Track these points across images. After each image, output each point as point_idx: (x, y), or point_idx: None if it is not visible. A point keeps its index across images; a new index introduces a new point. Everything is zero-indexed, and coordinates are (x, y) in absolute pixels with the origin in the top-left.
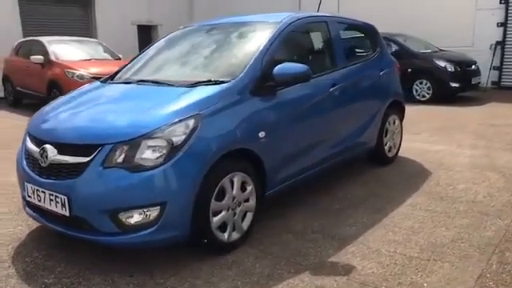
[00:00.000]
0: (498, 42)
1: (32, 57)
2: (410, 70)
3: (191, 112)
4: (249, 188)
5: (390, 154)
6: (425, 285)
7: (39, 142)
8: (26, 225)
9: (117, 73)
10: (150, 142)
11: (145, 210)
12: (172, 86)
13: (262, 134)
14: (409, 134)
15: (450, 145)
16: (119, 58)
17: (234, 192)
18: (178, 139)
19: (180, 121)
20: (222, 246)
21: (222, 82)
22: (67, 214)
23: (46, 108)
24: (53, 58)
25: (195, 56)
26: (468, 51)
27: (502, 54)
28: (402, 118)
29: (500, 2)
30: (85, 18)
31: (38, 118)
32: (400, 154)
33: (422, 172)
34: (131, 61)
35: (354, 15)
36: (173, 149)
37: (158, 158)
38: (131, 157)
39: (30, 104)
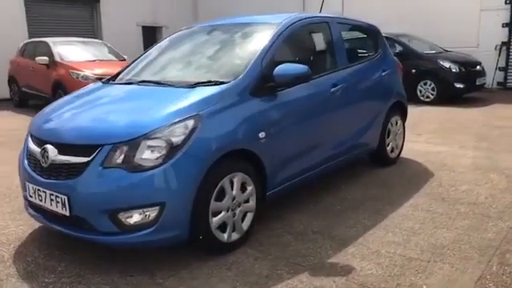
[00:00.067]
0: (503, 43)
1: (37, 58)
2: (414, 70)
3: (191, 112)
4: (249, 188)
5: (392, 155)
6: (424, 286)
7: (40, 143)
8: (28, 225)
9: (119, 73)
10: (150, 143)
11: (144, 210)
12: (172, 86)
13: (262, 135)
14: (412, 135)
15: (452, 146)
16: (124, 59)
17: (234, 192)
18: (177, 140)
19: (179, 121)
20: (222, 247)
21: (222, 83)
22: (67, 213)
23: (48, 109)
24: (58, 58)
25: (196, 57)
26: (473, 52)
27: (508, 55)
28: (404, 119)
29: (505, 3)
30: (90, 19)
31: (40, 119)
32: (402, 155)
33: (424, 173)
34: (133, 61)
35: (358, 16)
36: (172, 149)
37: (157, 158)
38: (131, 157)
39: (35, 105)
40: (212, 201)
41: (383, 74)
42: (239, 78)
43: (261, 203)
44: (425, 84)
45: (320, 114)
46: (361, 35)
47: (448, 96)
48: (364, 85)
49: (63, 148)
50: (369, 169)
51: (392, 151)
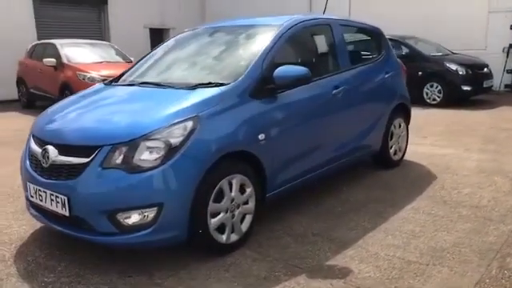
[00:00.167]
0: (511, 45)
1: (45, 59)
2: (420, 73)
3: (190, 114)
4: (248, 190)
5: (395, 158)
6: None
7: (42, 143)
8: (30, 224)
9: (121, 75)
10: (149, 144)
11: (142, 210)
12: (173, 88)
13: (261, 137)
14: (416, 137)
15: (458, 149)
16: (131, 61)
17: (233, 194)
18: (175, 141)
19: (178, 122)
20: (221, 248)
21: (222, 85)
22: (67, 213)
23: (50, 110)
24: (65, 60)
25: (197, 58)
26: (481, 54)
27: None
28: (407, 122)
29: None
30: (98, 21)
31: (42, 120)
32: (406, 157)
33: (427, 176)
34: (136, 63)
35: (365, 18)
36: (170, 150)
37: (155, 159)
38: (130, 158)
39: (42, 106)
40: (210, 202)
41: (386, 76)
42: (239, 79)
43: (260, 205)
44: (431, 86)
45: (321, 116)
46: (364, 37)
47: (455, 98)
48: (366, 87)
49: (63, 149)
50: (371, 171)
51: (395, 154)
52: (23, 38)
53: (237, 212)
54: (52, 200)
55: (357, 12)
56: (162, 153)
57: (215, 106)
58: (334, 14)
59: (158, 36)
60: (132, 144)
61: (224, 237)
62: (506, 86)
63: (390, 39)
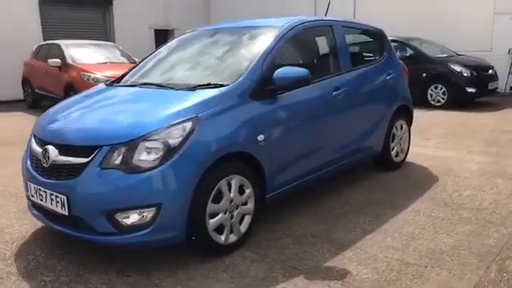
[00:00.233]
0: None
1: (49, 60)
2: (424, 74)
3: (188, 115)
4: (247, 191)
5: (397, 159)
6: None
7: (42, 143)
8: (32, 224)
9: (123, 76)
10: (147, 144)
11: (141, 210)
12: (173, 89)
13: (261, 138)
14: (419, 139)
15: (460, 151)
16: (135, 62)
17: (232, 195)
18: (174, 141)
19: (177, 123)
20: (219, 248)
21: (222, 86)
22: (66, 213)
23: (51, 110)
24: (69, 61)
25: (198, 60)
26: (486, 56)
27: None
28: (410, 123)
29: None
30: (103, 22)
31: (43, 120)
32: (408, 159)
33: (429, 178)
34: (137, 64)
35: (370, 20)
36: (169, 151)
37: (154, 159)
38: (129, 158)
39: (47, 106)
40: (209, 203)
41: (388, 77)
42: (239, 80)
43: (260, 206)
44: (435, 88)
45: (321, 117)
46: (366, 39)
47: (459, 100)
48: (368, 88)
49: (63, 149)
50: (373, 173)
51: (397, 155)
52: (29, 39)
53: (236, 213)
54: (52, 200)
55: (362, 13)
56: (161, 153)
57: (214, 107)
58: (339, 15)
59: (162, 37)
60: (131, 144)
61: (223, 237)
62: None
63: (395, 40)
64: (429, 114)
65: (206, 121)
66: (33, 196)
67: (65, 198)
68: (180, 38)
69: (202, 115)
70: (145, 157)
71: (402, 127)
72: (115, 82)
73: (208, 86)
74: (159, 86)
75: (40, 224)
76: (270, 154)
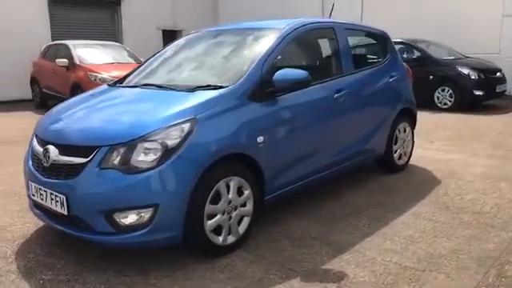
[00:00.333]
0: None
1: (57, 60)
2: (431, 76)
3: (187, 116)
4: (246, 192)
5: (399, 162)
6: None
7: (43, 143)
8: (33, 223)
9: (126, 77)
10: (146, 145)
11: (139, 211)
12: (174, 90)
13: (260, 139)
14: (424, 142)
15: (465, 154)
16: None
17: (230, 196)
18: (172, 142)
19: (175, 124)
20: (217, 249)
21: (222, 87)
22: (66, 213)
23: (53, 110)
24: (77, 61)
25: (199, 61)
26: (494, 58)
27: None
28: (413, 126)
29: None
30: (111, 22)
31: (45, 120)
32: (412, 162)
33: (431, 181)
34: (140, 65)
35: (377, 21)
36: (167, 152)
37: (152, 160)
38: (127, 158)
39: (54, 106)
40: (207, 204)
41: (391, 80)
42: (239, 82)
43: (259, 207)
44: (442, 90)
45: (322, 119)
46: (369, 41)
47: (466, 103)
48: (370, 91)
49: (64, 149)
50: (375, 175)
51: (400, 158)
52: (38, 39)
53: (234, 214)
54: (52, 199)
55: (369, 14)
56: (159, 154)
57: (213, 109)
58: (346, 16)
59: (170, 37)
60: (130, 145)
61: (221, 238)
62: None
63: (402, 42)
64: (435, 117)
65: (204, 122)
66: (33, 195)
67: (64, 197)
68: (183, 39)
69: (201, 116)
70: (143, 157)
71: (405, 130)
72: (118, 82)
73: (208, 87)
74: (160, 87)
75: (41, 223)
76: (270, 155)
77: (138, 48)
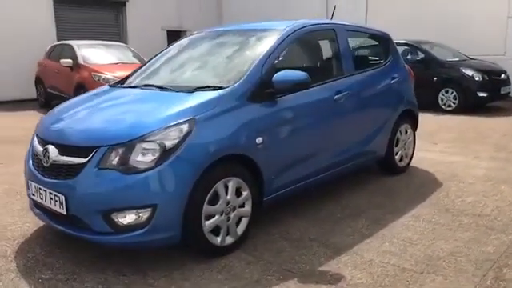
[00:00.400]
0: None
1: (62, 60)
2: (435, 78)
3: (186, 117)
4: (244, 193)
5: (401, 164)
6: None
7: (44, 143)
8: (34, 222)
9: (127, 77)
10: (144, 145)
11: (137, 211)
12: (173, 91)
13: (259, 140)
14: (426, 143)
15: (467, 156)
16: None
17: (229, 197)
18: (171, 143)
19: (174, 125)
20: (215, 250)
21: (221, 88)
22: (64, 212)
23: (55, 111)
24: (81, 61)
25: (199, 62)
26: (499, 60)
27: None
28: (415, 128)
29: None
30: (116, 23)
31: (46, 120)
32: (413, 164)
33: (432, 183)
34: (141, 66)
35: (381, 22)
36: (165, 152)
37: (150, 161)
38: (125, 159)
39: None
40: (205, 204)
41: (392, 81)
42: (238, 83)
43: (257, 208)
44: (446, 92)
45: (321, 121)
46: (371, 42)
47: (470, 105)
48: (371, 92)
49: (63, 149)
50: (376, 177)
51: (401, 160)
52: (43, 40)
53: (232, 215)
54: (51, 199)
55: (374, 14)
56: (157, 154)
57: (212, 109)
58: (350, 17)
59: (175, 38)
60: (128, 145)
61: (219, 239)
62: None
63: (405, 44)
64: (439, 119)
65: (203, 123)
66: (33, 195)
67: (63, 197)
68: (184, 40)
69: (200, 117)
70: (141, 158)
71: (406, 132)
72: (119, 83)
73: (207, 88)
74: (160, 87)
75: (42, 222)
76: (269, 156)
77: (143, 48)
